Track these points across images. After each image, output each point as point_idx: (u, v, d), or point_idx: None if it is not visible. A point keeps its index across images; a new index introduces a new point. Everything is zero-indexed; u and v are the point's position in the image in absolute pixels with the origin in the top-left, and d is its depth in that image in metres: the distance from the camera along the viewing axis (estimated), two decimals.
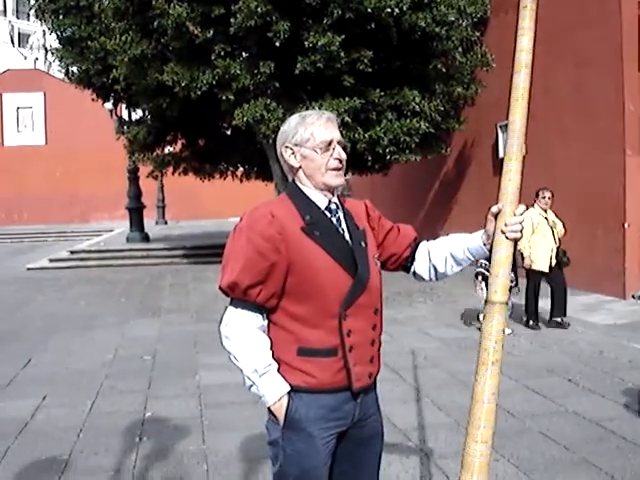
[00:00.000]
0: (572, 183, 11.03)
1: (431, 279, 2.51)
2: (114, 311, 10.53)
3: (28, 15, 54.83)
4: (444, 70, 12.09)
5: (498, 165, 13.41)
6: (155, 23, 10.56)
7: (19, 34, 62.27)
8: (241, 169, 17.74)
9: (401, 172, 16.50)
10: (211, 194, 34.04)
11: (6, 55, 56.91)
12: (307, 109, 11.21)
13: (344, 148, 2.30)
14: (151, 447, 4.65)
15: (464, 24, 12.29)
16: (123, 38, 11.22)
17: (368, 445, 2.37)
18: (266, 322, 2.25)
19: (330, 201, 2.30)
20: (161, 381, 6.37)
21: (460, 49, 12.11)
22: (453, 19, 11.50)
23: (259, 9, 9.98)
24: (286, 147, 2.29)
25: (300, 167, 2.28)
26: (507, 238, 2.09)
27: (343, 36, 10.29)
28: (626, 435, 4.62)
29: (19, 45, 61.51)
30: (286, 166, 2.33)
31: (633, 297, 9.95)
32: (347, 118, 10.84)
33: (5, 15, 61.81)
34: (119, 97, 15.50)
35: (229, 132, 15.22)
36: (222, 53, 10.73)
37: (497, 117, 13.03)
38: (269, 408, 2.22)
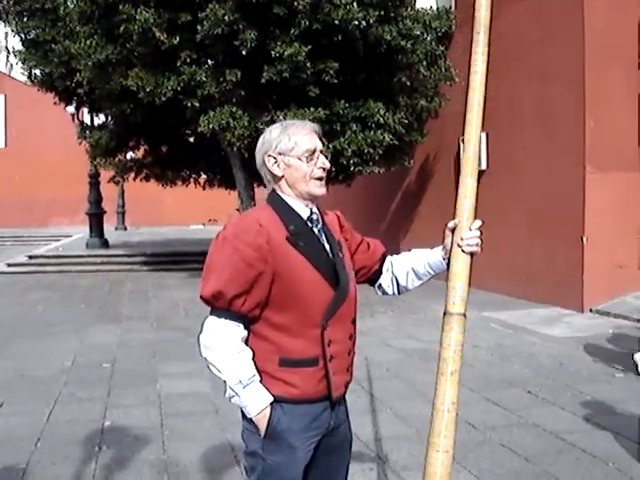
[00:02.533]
0: (534, 197, 11.19)
1: (394, 293, 2.56)
2: (73, 317, 10.39)
3: None
4: (408, 83, 12.21)
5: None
6: (121, 28, 10.48)
7: None
8: (204, 177, 17.66)
9: (364, 183, 16.56)
10: (172, 201, 33.81)
11: None
12: (272, 118, 11.27)
13: (325, 157, 2.33)
14: (111, 456, 4.59)
15: (429, 38, 12.43)
16: (88, 42, 11.12)
17: (338, 452, 2.39)
18: (246, 332, 2.24)
19: (312, 211, 2.32)
20: (121, 389, 6.30)
21: (425, 63, 12.22)
22: (418, 33, 11.64)
23: (226, 17, 9.98)
24: (269, 156, 2.29)
25: (283, 176, 2.29)
26: (463, 252, 2.15)
27: (310, 47, 10.33)
28: (586, 447, 4.69)
29: None
30: (268, 175, 2.33)
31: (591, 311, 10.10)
32: None
33: None
34: (82, 101, 15.32)
35: (192, 139, 15.16)
36: (188, 60, 10.69)
37: (460, 130, 12.94)
38: (249, 419, 2.22)
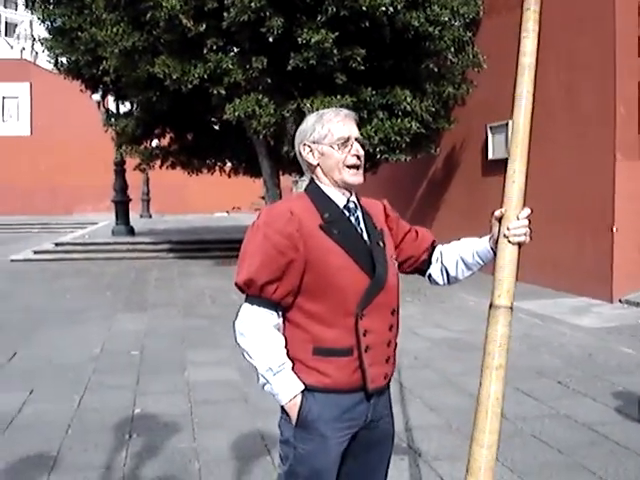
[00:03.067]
0: (562, 186, 11.06)
1: (444, 283, 2.50)
2: (100, 305, 10.44)
3: (15, 4, 54.46)
4: (436, 70, 12.11)
5: (487, 166, 13.44)
6: (147, 15, 10.49)
7: (6, 23, 61.71)
8: (229, 164, 17.67)
9: (389, 171, 16.49)
10: (196, 189, 33.98)
11: None
12: (298, 106, 11.24)
13: (362, 146, 2.28)
14: (141, 444, 4.59)
15: (456, 24, 12.30)
16: (114, 29, 11.15)
17: (377, 447, 2.34)
18: (281, 320, 2.24)
19: (349, 199, 2.28)
20: (149, 377, 6.31)
21: (452, 49, 12.10)
22: (446, 19, 11.51)
23: (253, 4, 9.95)
24: (304, 145, 2.27)
25: (318, 164, 2.26)
26: (510, 242, 2.06)
27: (337, 33, 10.28)
28: (619, 439, 4.62)
29: (6, 34, 60.95)
30: (305, 164, 2.31)
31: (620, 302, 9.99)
32: None
33: None
34: (108, 89, 15.39)
35: (218, 127, 15.17)
36: (214, 47, 10.70)
37: (487, 118, 13.03)
38: (282, 407, 2.21)
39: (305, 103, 10.95)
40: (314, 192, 2.27)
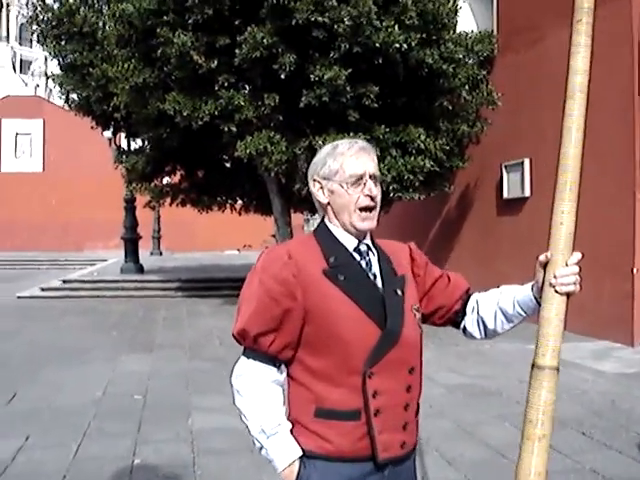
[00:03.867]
0: (580, 226, 10.76)
1: (482, 337, 2.20)
2: (105, 344, 10.18)
3: (31, 42, 55.11)
4: (450, 108, 11.95)
5: (502, 205, 13.19)
6: (158, 51, 10.40)
7: (21, 60, 62.58)
8: (240, 202, 17.50)
9: (402, 209, 16.27)
10: (207, 226, 33.79)
11: (7, 81, 57.10)
12: (310, 143, 11.06)
13: (380, 183, 2.04)
14: None
15: (470, 62, 12.18)
16: (125, 65, 11.07)
17: None
18: (283, 376, 2.00)
19: (360, 242, 2.02)
20: (152, 423, 6.02)
21: (466, 87, 11.95)
22: (461, 56, 11.38)
23: (265, 40, 9.84)
24: (314, 180, 2.05)
25: (329, 203, 2.02)
26: (557, 292, 1.79)
27: (350, 70, 10.14)
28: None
29: (20, 71, 61.74)
30: (316, 202, 2.07)
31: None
32: None
33: (8, 41, 62.06)
34: (119, 125, 15.31)
35: (229, 164, 15.02)
36: (226, 84, 10.58)
37: (502, 157, 12.84)
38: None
39: (317, 140, 10.78)
40: (322, 233, 2.03)
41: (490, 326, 2.13)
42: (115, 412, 6.38)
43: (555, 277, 1.79)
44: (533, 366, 1.82)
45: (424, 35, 10.57)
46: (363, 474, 1.93)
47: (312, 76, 10.21)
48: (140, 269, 20.56)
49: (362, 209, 1.97)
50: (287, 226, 13.75)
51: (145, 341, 10.54)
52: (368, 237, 2.05)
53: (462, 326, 2.20)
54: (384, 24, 9.98)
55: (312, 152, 10.95)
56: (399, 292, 2.01)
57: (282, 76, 10.23)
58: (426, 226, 16.82)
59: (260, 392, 1.94)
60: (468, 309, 2.17)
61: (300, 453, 1.92)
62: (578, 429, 5.88)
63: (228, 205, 17.21)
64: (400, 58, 10.60)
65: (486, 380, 7.61)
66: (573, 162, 1.82)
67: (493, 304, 2.11)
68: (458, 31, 12.13)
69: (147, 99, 11.31)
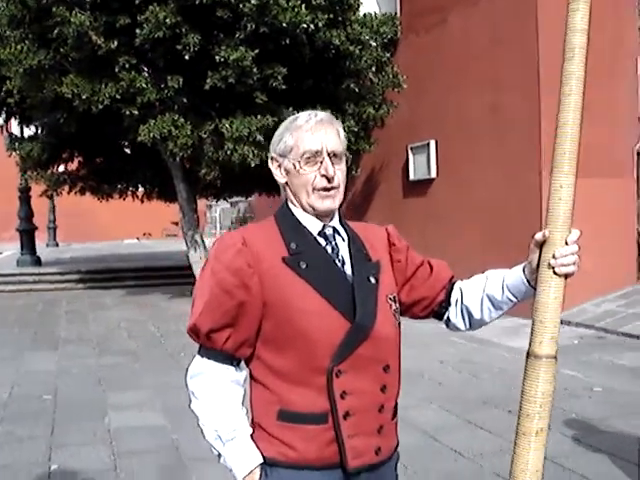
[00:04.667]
0: (488, 205, 10.93)
1: (467, 328, 2.01)
2: (6, 342, 9.63)
3: None
4: (356, 90, 11.85)
5: (408, 187, 13.26)
6: (54, 32, 9.83)
7: None
8: (142, 189, 16.95)
9: None
10: (105, 215, 32.71)
11: None
12: (216, 127, 10.75)
13: (345, 160, 1.83)
14: None
15: (374, 45, 12.11)
16: (19, 47, 10.40)
17: None
18: (244, 375, 1.80)
19: (325, 225, 1.82)
20: (65, 425, 5.66)
21: (373, 69, 11.88)
22: (367, 38, 11.29)
23: (167, 20, 9.47)
24: (272, 158, 1.86)
25: (287, 183, 1.83)
26: (556, 274, 1.62)
27: (256, 51, 9.88)
28: (586, 473, 4.32)
29: None
30: (277, 181, 1.88)
31: None
32: (259, 137, 10.42)
33: None
34: (11, 111, 14.48)
35: (130, 150, 14.50)
36: (127, 65, 10.12)
37: (408, 139, 12.88)
38: None
39: (224, 124, 10.48)
40: (283, 216, 1.83)
41: (476, 316, 1.95)
42: (24, 415, 5.97)
43: (554, 257, 1.62)
44: (529, 355, 1.66)
45: (331, 16, 10.41)
46: None
47: (217, 57, 9.89)
48: (37, 261, 19.69)
49: (320, 189, 1.77)
50: (193, 213, 13.38)
51: (49, 337, 10.03)
52: (336, 219, 1.85)
53: (445, 318, 2.02)
54: (290, 4, 9.75)
55: (218, 136, 10.68)
56: (372, 280, 1.81)
57: (186, 57, 9.86)
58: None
59: (216, 394, 1.74)
60: (452, 299, 1.99)
61: (261, 460, 1.72)
62: (504, 408, 5.89)
63: (129, 192, 16.65)
64: (307, 39, 10.41)
65: (407, 362, 7.53)
66: (572, 129, 1.63)
67: (479, 291, 1.93)
68: (363, 13, 12.02)
69: (43, 82, 10.68)
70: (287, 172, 1.80)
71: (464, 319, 1.98)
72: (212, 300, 1.71)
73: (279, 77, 10.31)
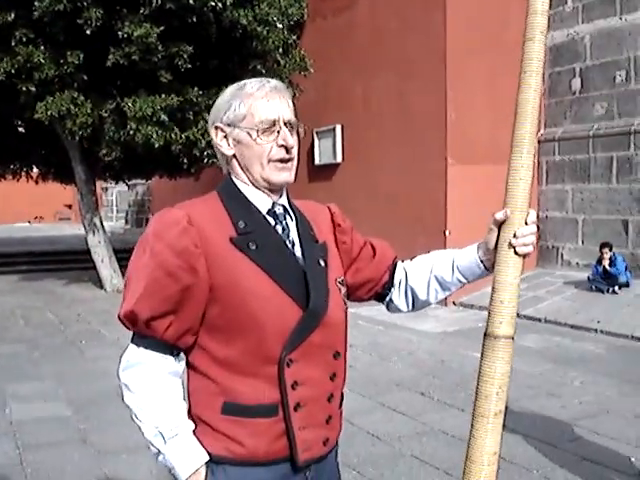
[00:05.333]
0: (394, 190, 11.00)
1: (409, 310, 1.94)
2: None
3: None
4: (262, 72, 11.66)
5: (314, 171, 13.21)
6: None
7: None
8: (37, 170, 16.22)
9: (210, 177, 15.86)
10: None
11: None
12: (118, 105, 10.37)
13: (296, 131, 1.71)
14: None
15: (280, 26, 11.96)
16: None
17: None
18: (182, 366, 1.64)
19: (275, 203, 1.69)
20: None
21: (280, 50, 11.72)
22: (275, 19, 11.12)
23: None
24: (216, 128, 1.69)
25: (234, 155, 1.68)
26: (516, 253, 1.60)
27: (162, 28, 9.57)
28: (505, 455, 4.36)
29: None
30: (218, 154, 1.73)
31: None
32: (163, 116, 10.12)
33: None
34: None
35: (24, 129, 13.82)
36: (24, 39, 9.63)
37: (314, 123, 12.79)
38: None
39: (126, 102, 10.10)
40: (228, 192, 1.69)
41: (422, 297, 1.89)
42: None
43: (515, 236, 1.60)
44: (487, 335, 1.62)
45: None
46: (281, 477, 1.63)
47: (120, 33, 9.52)
48: None
49: (276, 160, 1.65)
50: (92, 195, 12.91)
51: None
52: (284, 197, 1.73)
53: (388, 299, 1.93)
54: None
55: (120, 115, 10.30)
56: (322, 263, 1.71)
57: (87, 32, 9.44)
58: None
59: (155, 387, 1.58)
60: (396, 280, 1.91)
61: (206, 458, 1.59)
62: (416, 390, 5.95)
63: (23, 173, 15.90)
64: (214, 18, 10.17)
65: None
66: (532, 110, 1.62)
67: (426, 272, 1.86)
68: None
69: None
70: (237, 142, 1.66)
71: (407, 300, 1.92)
72: (152, 284, 1.55)
73: (184, 56, 10.03)
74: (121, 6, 9.64)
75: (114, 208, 30.53)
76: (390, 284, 1.91)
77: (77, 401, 5.59)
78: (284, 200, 1.73)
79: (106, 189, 30.23)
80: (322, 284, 1.67)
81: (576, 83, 10.69)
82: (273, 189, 1.68)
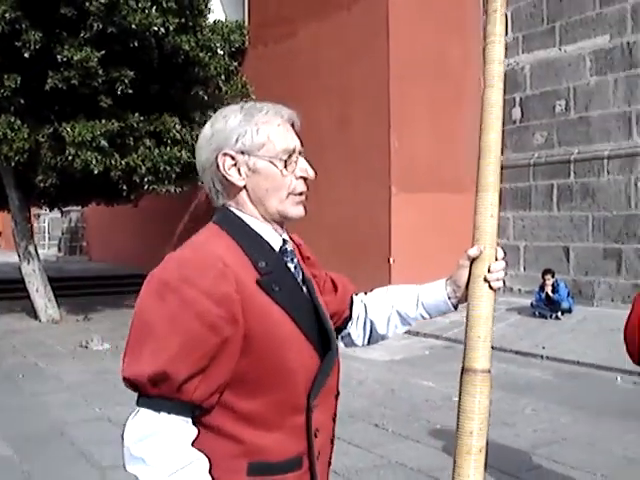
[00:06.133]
0: (337, 219, 10.98)
1: (364, 344, 1.85)
2: None
3: None
4: (205, 98, 11.59)
5: None
6: None
7: None
8: None
9: (150, 203, 15.62)
10: None
11: None
12: (56, 131, 10.12)
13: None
14: None
15: (221, 52, 11.93)
16: None
17: None
18: (195, 431, 1.42)
19: (285, 240, 1.56)
20: None
21: (222, 77, 11.67)
22: (218, 45, 11.08)
23: (7, 15, 8.86)
24: (225, 155, 1.48)
25: (245, 187, 1.50)
26: (491, 288, 1.60)
27: (102, 52, 9.41)
28: None
29: None
30: (219, 184, 1.53)
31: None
32: (103, 142, 9.91)
33: None
34: None
35: None
36: None
37: None
38: None
39: (64, 127, 9.87)
40: (236, 228, 1.50)
41: (381, 331, 1.81)
42: None
43: (490, 272, 1.60)
44: (465, 370, 1.59)
45: (182, 20, 10.13)
46: None
47: (60, 57, 9.35)
48: None
49: (297, 194, 1.54)
50: (26, 222, 12.54)
51: None
52: (285, 231, 1.61)
53: (344, 333, 1.83)
54: (140, 5, 9.39)
55: (57, 140, 10.06)
56: (320, 300, 1.60)
57: (26, 55, 9.24)
58: (174, 220, 16.35)
59: (183, 458, 1.35)
60: (354, 314, 1.83)
61: None
62: (369, 421, 5.87)
63: None
64: (156, 43, 10.06)
65: None
66: (496, 152, 1.64)
67: (387, 307, 1.80)
68: (212, 20, 11.81)
69: None
70: (253, 172, 1.49)
71: (364, 334, 1.84)
72: (190, 339, 1.34)
73: (126, 80, 9.88)
74: (61, 29, 9.47)
75: (46, 235, 29.76)
76: (349, 318, 1.82)
77: (17, 440, 5.31)
78: (286, 235, 1.60)
79: (38, 215, 29.44)
80: (329, 324, 1.57)
81: (516, 112, 10.90)
82: (281, 224, 1.56)
